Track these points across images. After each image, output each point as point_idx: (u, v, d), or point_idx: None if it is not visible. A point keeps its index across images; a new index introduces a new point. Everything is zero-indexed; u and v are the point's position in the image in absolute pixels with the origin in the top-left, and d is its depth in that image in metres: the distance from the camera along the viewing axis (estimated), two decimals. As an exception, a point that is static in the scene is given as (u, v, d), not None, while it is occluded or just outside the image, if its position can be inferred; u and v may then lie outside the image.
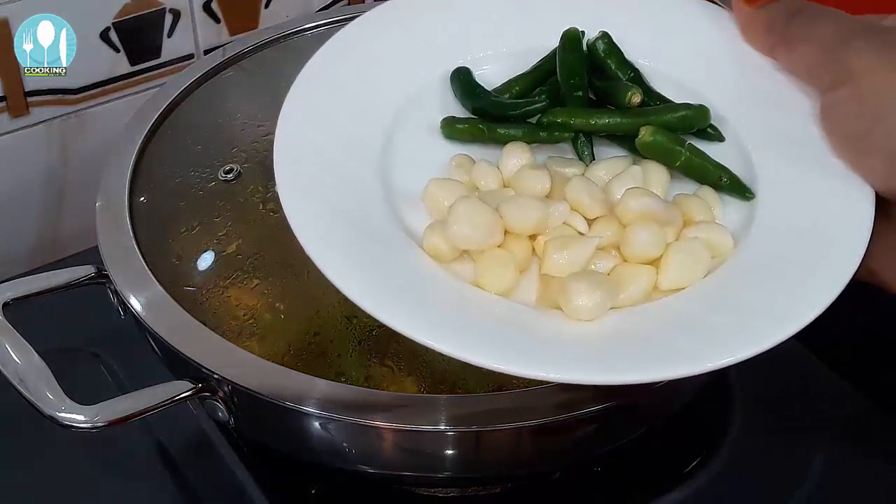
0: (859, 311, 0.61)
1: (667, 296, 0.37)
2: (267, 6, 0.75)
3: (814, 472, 0.54)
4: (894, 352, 0.60)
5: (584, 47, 0.43)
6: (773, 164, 0.40)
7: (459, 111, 0.42)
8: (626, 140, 0.41)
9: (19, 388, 0.44)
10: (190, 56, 0.73)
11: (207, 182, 0.55)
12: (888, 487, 0.53)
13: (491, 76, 0.43)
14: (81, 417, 0.44)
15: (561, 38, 0.43)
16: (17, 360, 0.45)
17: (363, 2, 0.78)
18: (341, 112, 0.40)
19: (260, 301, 0.49)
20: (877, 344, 0.60)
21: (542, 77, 0.44)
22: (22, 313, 0.48)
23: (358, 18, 0.43)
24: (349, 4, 0.79)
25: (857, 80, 0.37)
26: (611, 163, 0.40)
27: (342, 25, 0.64)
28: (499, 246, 0.37)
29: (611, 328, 0.35)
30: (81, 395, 0.44)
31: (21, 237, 0.73)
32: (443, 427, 0.43)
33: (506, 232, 0.37)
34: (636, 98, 0.41)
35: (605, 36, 0.43)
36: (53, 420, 0.44)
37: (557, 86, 0.42)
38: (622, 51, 0.43)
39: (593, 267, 0.37)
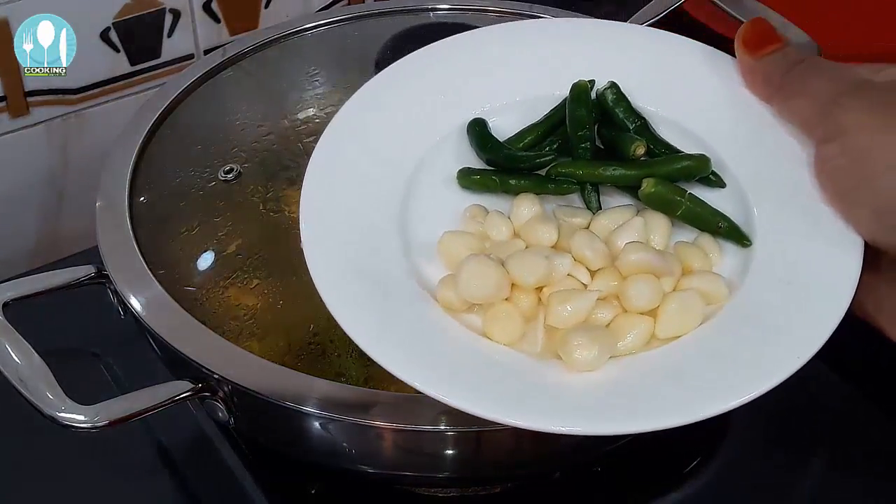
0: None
1: (664, 344, 0.39)
2: (267, 6, 0.75)
3: (814, 473, 0.54)
4: (894, 352, 0.60)
5: (594, 95, 0.45)
6: (769, 211, 0.42)
7: (476, 161, 0.44)
8: (632, 189, 0.43)
9: (19, 388, 0.44)
10: (190, 56, 0.73)
11: (207, 182, 0.55)
12: (888, 489, 0.53)
13: (505, 126, 0.45)
14: (81, 417, 0.44)
15: (570, 91, 0.45)
16: (17, 360, 0.45)
17: (363, 2, 0.79)
18: (364, 165, 0.42)
19: (260, 301, 0.49)
20: (877, 344, 0.60)
21: (552, 127, 0.46)
22: (22, 313, 0.48)
23: (378, 75, 0.45)
24: (349, 4, 0.79)
25: (847, 137, 0.38)
26: (615, 212, 0.42)
27: (342, 25, 0.65)
28: (506, 298, 0.39)
29: (610, 378, 0.37)
30: (81, 395, 0.44)
31: (21, 237, 0.73)
32: (443, 427, 0.43)
33: (513, 284, 0.39)
34: (640, 150, 0.43)
35: (613, 86, 0.45)
36: (53, 420, 0.44)
37: (566, 135, 0.45)
38: (629, 99, 0.45)
39: (595, 317, 0.39)
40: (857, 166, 0.38)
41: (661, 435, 0.51)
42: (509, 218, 0.42)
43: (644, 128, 0.45)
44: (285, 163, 0.55)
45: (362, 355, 0.47)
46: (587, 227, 0.42)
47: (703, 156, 0.43)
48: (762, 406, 0.57)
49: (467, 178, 0.44)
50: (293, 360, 0.47)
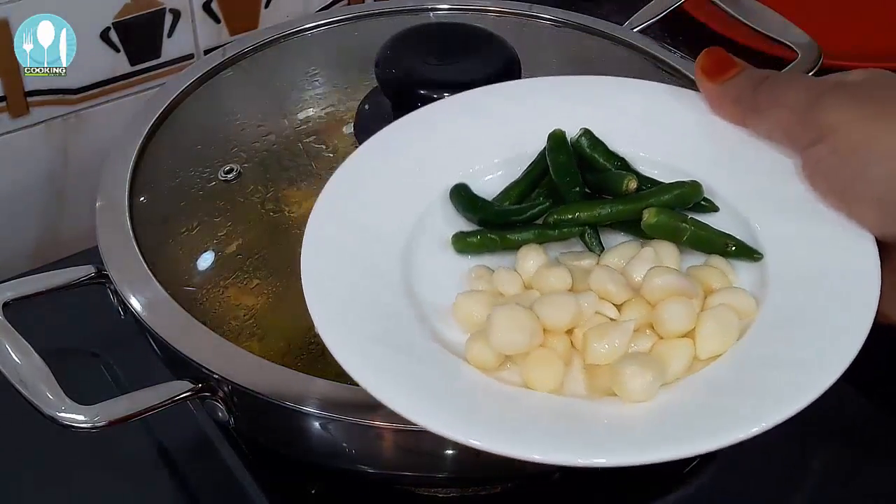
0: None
1: (706, 364, 0.38)
2: (267, 6, 0.75)
3: (814, 473, 0.54)
4: (894, 352, 0.60)
5: (569, 144, 0.45)
6: (771, 223, 0.42)
7: (464, 224, 0.44)
8: (629, 226, 0.43)
9: (19, 388, 0.44)
10: (190, 56, 0.73)
11: (207, 182, 0.55)
12: (888, 488, 0.53)
13: (485, 188, 0.45)
14: (81, 417, 0.44)
15: (548, 141, 0.45)
16: (17, 360, 0.45)
17: (363, 1, 0.79)
18: (358, 245, 0.42)
19: (260, 301, 0.49)
20: (877, 344, 0.60)
21: (535, 180, 0.46)
22: (22, 313, 0.48)
23: (351, 156, 0.45)
24: (349, 4, 0.79)
25: (834, 135, 0.39)
26: (621, 249, 0.42)
27: (342, 25, 0.65)
28: (541, 346, 0.39)
29: (664, 405, 0.37)
30: (81, 395, 0.44)
31: (21, 237, 0.73)
32: (443, 427, 0.43)
33: (544, 330, 0.39)
34: (633, 184, 0.43)
35: (586, 132, 0.45)
36: (53, 420, 0.44)
37: (551, 186, 0.45)
38: (605, 143, 0.45)
39: (633, 349, 0.38)
40: (850, 161, 0.39)
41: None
42: (516, 272, 0.42)
43: (626, 167, 0.45)
44: (285, 163, 0.55)
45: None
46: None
47: (694, 182, 0.43)
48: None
49: (464, 242, 0.43)
50: (293, 360, 0.47)
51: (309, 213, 0.52)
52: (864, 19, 0.86)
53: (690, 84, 0.47)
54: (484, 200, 0.45)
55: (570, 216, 0.43)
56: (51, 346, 0.47)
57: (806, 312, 0.39)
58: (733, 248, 0.42)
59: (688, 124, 0.45)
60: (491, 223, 0.44)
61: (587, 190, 0.44)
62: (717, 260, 0.42)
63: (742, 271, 0.41)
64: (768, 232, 0.42)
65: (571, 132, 0.46)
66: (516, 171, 0.46)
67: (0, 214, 0.71)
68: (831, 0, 0.86)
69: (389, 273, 0.41)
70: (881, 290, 0.39)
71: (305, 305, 0.49)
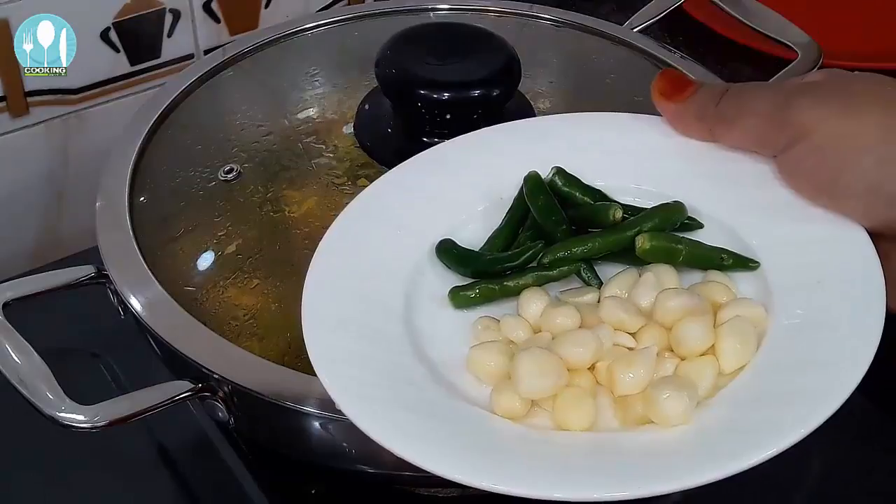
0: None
1: (732, 378, 0.38)
2: (267, 6, 0.75)
3: (814, 472, 0.54)
4: (894, 352, 0.60)
5: (546, 185, 0.45)
6: (759, 231, 0.42)
7: (456, 279, 0.44)
8: (621, 255, 0.43)
9: (19, 388, 0.44)
10: (190, 56, 0.73)
11: (207, 182, 0.55)
12: (889, 488, 0.53)
13: (470, 239, 0.45)
14: (81, 417, 0.44)
15: (525, 185, 0.45)
16: (17, 360, 0.45)
17: (363, 2, 0.79)
18: (357, 313, 0.41)
19: (260, 301, 0.49)
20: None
21: (517, 225, 0.45)
22: (22, 313, 0.48)
23: (331, 227, 0.45)
24: (349, 4, 0.79)
25: (811, 134, 0.39)
26: (620, 279, 0.42)
27: (342, 25, 0.65)
28: (567, 386, 0.38)
29: (703, 424, 0.36)
30: (81, 395, 0.44)
31: (21, 237, 0.73)
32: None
33: (567, 370, 0.38)
34: (618, 213, 0.43)
35: (559, 170, 0.45)
36: (53, 420, 0.44)
37: (535, 227, 0.45)
38: (579, 178, 0.45)
39: (659, 374, 0.38)
40: (831, 158, 0.39)
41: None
42: (522, 317, 0.42)
43: (605, 198, 0.45)
44: (285, 163, 0.55)
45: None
46: (599, 302, 0.42)
47: (677, 202, 0.43)
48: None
49: (462, 297, 0.42)
50: (293, 360, 0.47)
51: (309, 212, 0.53)
52: (864, 19, 0.86)
53: None
54: (474, 252, 0.44)
55: (564, 254, 0.43)
56: (51, 346, 0.47)
57: (817, 312, 0.39)
58: (729, 260, 0.42)
59: (656, 148, 0.45)
60: (485, 274, 0.43)
61: (573, 227, 0.44)
62: (716, 275, 0.42)
63: (742, 283, 0.41)
64: (758, 240, 0.42)
65: (545, 171, 0.46)
66: (493, 219, 0.45)
67: (0, 214, 0.71)
68: (831, 0, 0.86)
69: (397, 339, 0.41)
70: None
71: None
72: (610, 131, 0.47)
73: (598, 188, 0.45)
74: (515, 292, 0.42)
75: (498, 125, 0.49)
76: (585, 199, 0.45)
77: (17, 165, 0.70)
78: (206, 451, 0.55)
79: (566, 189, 0.45)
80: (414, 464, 0.36)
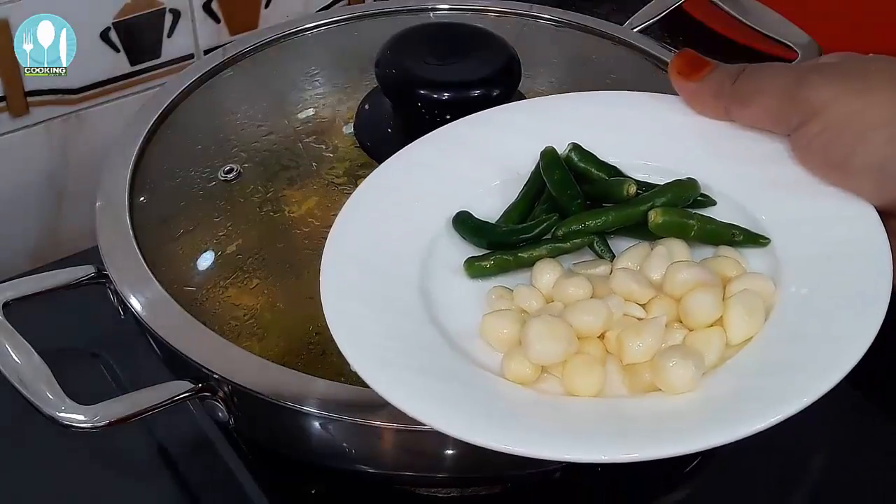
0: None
1: (739, 349, 0.39)
2: (267, 6, 0.75)
3: (813, 472, 0.54)
4: (894, 352, 0.60)
5: (562, 160, 0.46)
6: (770, 208, 0.43)
7: (472, 250, 0.45)
8: (634, 229, 0.44)
9: (19, 388, 0.44)
10: (190, 56, 0.73)
11: (207, 182, 0.55)
12: (888, 487, 0.53)
13: (484, 212, 0.46)
14: (81, 417, 0.44)
15: (541, 160, 0.46)
16: (17, 360, 0.45)
17: (363, 1, 0.79)
18: (375, 283, 0.42)
19: (260, 301, 0.49)
20: (875, 342, 0.60)
21: (533, 199, 0.46)
22: (22, 313, 0.48)
23: (350, 199, 0.46)
24: (349, 4, 0.79)
25: (824, 112, 0.40)
26: (632, 252, 0.43)
27: (342, 25, 0.65)
28: (576, 352, 0.39)
29: (708, 392, 0.38)
30: (81, 395, 0.44)
31: (21, 237, 0.73)
32: (443, 427, 0.43)
33: (578, 337, 0.39)
34: (632, 188, 0.44)
35: (575, 146, 0.46)
36: (53, 420, 0.44)
37: (550, 201, 0.45)
38: (595, 154, 0.46)
39: (667, 344, 0.39)
40: (843, 135, 0.40)
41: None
42: (535, 287, 0.42)
43: (619, 174, 0.46)
44: (285, 163, 0.55)
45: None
46: (611, 275, 0.42)
47: (690, 178, 0.44)
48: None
49: (477, 267, 0.43)
50: (293, 360, 0.47)
51: (309, 212, 0.53)
52: (864, 19, 0.86)
53: None
54: (490, 224, 0.45)
55: (578, 227, 0.43)
56: (51, 346, 0.47)
57: (825, 286, 0.40)
58: (740, 236, 0.42)
59: (672, 127, 0.46)
60: (500, 245, 0.44)
61: (587, 201, 0.45)
62: (726, 250, 0.42)
63: (752, 258, 0.42)
64: (769, 217, 0.43)
65: (561, 148, 0.46)
66: (510, 193, 0.46)
67: (0, 214, 0.71)
68: (831, 0, 0.86)
69: (412, 307, 0.42)
70: None
71: (305, 305, 0.49)
72: (626, 109, 0.48)
73: (613, 164, 0.46)
74: (529, 263, 0.43)
75: (515, 102, 0.50)
76: (600, 174, 0.46)
77: (17, 165, 0.70)
78: (206, 451, 0.55)
79: (582, 164, 0.46)
80: (425, 423, 0.36)
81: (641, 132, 0.47)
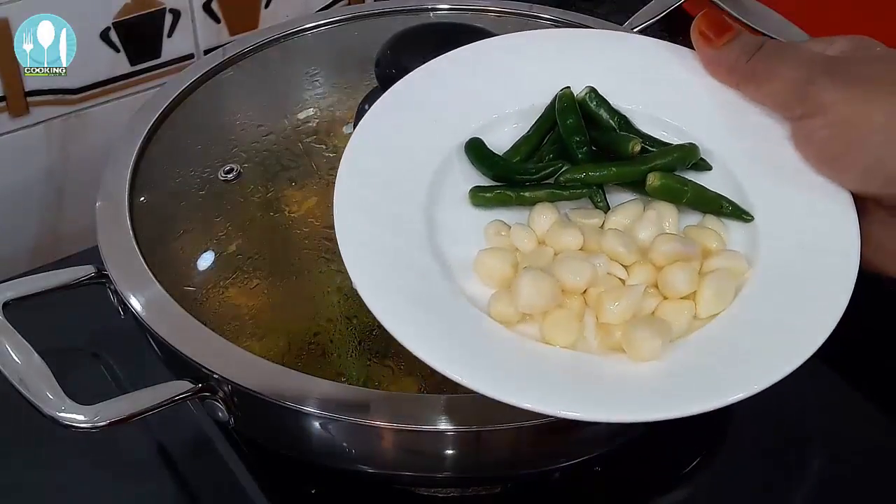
0: (858, 308, 0.62)
1: (705, 323, 0.41)
2: (267, 6, 0.75)
3: (814, 473, 0.54)
4: (893, 350, 0.60)
5: (577, 105, 0.48)
6: (759, 185, 0.45)
7: (480, 177, 0.46)
8: (633, 185, 0.46)
9: (19, 388, 0.44)
10: (190, 56, 0.73)
11: (207, 182, 0.55)
12: (888, 489, 0.53)
13: (497, 141, 0.47)
14: (81, 417, 0.44)
15: (557, 101, 0.48)
16: (17, 360, 0.45)
17: (363, 1, 0.79)
18: (383, 201, 0.44)
19: (260, 301, 0.49)
20: (876, 342, 0.60)
21: (543, 135, 0.48)
22: (22, 313, 0.48)
23: (369, 112, 0.47)
24: (349, 4, 0.79)
25: (827, 112, 0.42)
26: (626, 208, 0.45)
27: (342, 25, 0.65)
28: (558, 305, 0.42)
29: (670, 363, 0.40)
30: (81, 395, 0.44)
31: (21, 237, 0.73)
32: (443, 427, 0.43)
33: (562, 291, 0.42)
34: (637, 147, 0.46)
35: (591, 90, 0.48)
36: (53, 420, 0.44)
37: (559, 142, 0.47)
38: (608, 101, 0.48)
39: (642, 308, 0.42)
40: (842, 135, 0.42)
41: (662, 435, 0.51)
42: (530, 228, 0.45)
43: (628, 125, 0.48)
44: (285, 163, 0.55)
45: (362, 355, 0.47)
46: (603, 226, 0.45)
47: (692, 144, 0.46)
48: (761, 406, 0.57)
49: (481, 197, 0.45)
50: (293, 360, 0.47)
51: (309, 212, 0.53)
52: (863, 19, 0.86)
53: None
54: (498, 156, 0.47)
55: (579, 176, 0.46)
56: (51, 346, 0.47)
57: (793, 275, 0.42)
58: (728, 209, 0.45)
59: (688, 84, 0.48)
60: (505, 179, 0.46)
61: (594, 148, 0.47)
62: (711, 220, 0.45)
63: (734, 229, 0.44)
64: (757, 193, 0.45)
65: (577, 84, 0.48)
66: (526, 123, 0.48)
67: (0, 214, 0.71)
68: (831, 0, 0.86)
69: (415, 230, 0.44)
70: (866, 242, 0.43)
71: (305, 305, 0.49)
72: (649, 57, 0.49)
73: (624, 113, 0.48)
74: (529, 203, 0.46)
75: (547, 30, 0.52)
76: (611, 122, 0.47)
77: (17, 165, 0.70)
78: (206, 451, 0.55)
79: (595, 109, 0.48)
80: (405, 346, 0.39)
81: (659, 84, 0.48)
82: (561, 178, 0.46)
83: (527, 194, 0.45)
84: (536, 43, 0.50)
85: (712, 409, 0.38)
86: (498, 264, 0.43)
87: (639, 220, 0.44)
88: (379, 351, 0.47)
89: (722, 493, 0.54)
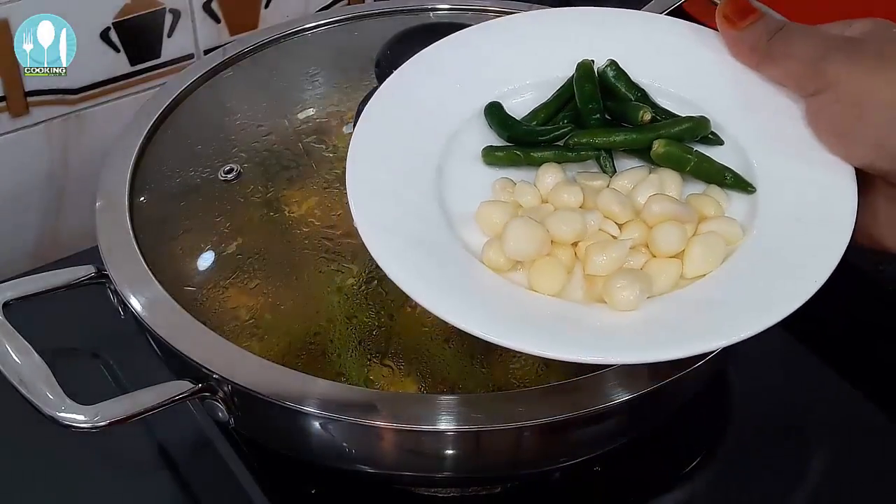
0: (858, 308, 0.62)
1: (692, 283, 0.43)
2: (267, 6, 0.75)
3: (813, 472, 0.54)
4: (893, 350, 0.60)
5: (596, 74, 0.49)
6: (767, 160, 0.46)
7: (494, 139, 0.48)
8: (641, 152, 0.47)
9: (19, 388, 0.44)
10: (190, 56, 0.73)
11: (207, 182, 0.55)
12: (888, 488, 0.53)
13: (517, 107, 0.49)
14: (81, 417, 0.44)
15: (576, 70, 0.49)
16: (17, 360, 0.45)
17: (363, 1, 0.79)
18: (398, 155, 0.46)
19: (260, 301, 0.49)
20: (876, 342, 0.60)
21: (561, 104, 0.49)
22: (22, 313, 0.48)
23: (394, 74, 0.49)
24: (349, 4, 0.79)
25: (838, 87, 0.43)
26: (631, 173, 0.46)
27: (342, 25, 0.65)
28: (547, 254, 0.43)
29: (648, 315, 0.41)
30: (81, 395, 0.44)
31: (21, 237, 0.73)
32: (443, 427, 0.43)
33: (552, 242, 0.43)
34: (647, 116, 0.47)
35: (612, 63, 0.49)
36: (53, 420, 0.44)
37: (576, 110, 0.49)
38: (628, 74, 0.49)
39: (628, 264, 0.43)
40: (851, 109, 0.43)
41: (662, 435, 0.51)
42: (536, 186, 0.46)
43: (645, 98, 0.49)
44: (285, 163, 0.55)
45: (362, 355, 0.47)
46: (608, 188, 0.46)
47: (703, 117, 0.47)
48: (761, 406, 0.58)
49: (492, 155, 0.47)
50: (293, 360, 0.47)
51: (309, 212, 0.53)
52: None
53: None
54: (514, 119, 0.48)
55: (587, 140, 0.47)
56: (51, 346, 0.47)
57: (785, 246, 0.43)
58: (730, 180, 0.46)
59: (706, 62, 0.49)
60: (518, 140, 0.48)
61: (607, 117, 0.48)
62: (714, 190, 0.46)
63: (736, 201, 0.45)
64: (764, 168, 0.46)
65: (600, 60, 0.49)
66: (546, 94, 0.50)
67: (0, 214, 0.71)
68: (831, 0, 0.86)
69: (425, 179, 0.46)
70: (873, 219, 0.44)
71: (305, 305, 0.49)
72: (670, 35, 0.51)
73: (642, 87, 0.49)
74: (538, 163, 0.47)
75: (572, 8, 0.53)
76: (627, 94, 0.49)
77: (17, 165, 0.70)
78: (206, 451, 0.55)
79: (613, 81, 0.49)
80: (396, 283, 0.41)
81: (678, 61, 0.50)
82: (570, 141, 0.47)
83: (535, 154, 0.47)
84: (564, 19, 0.52)
85: (677, 357, 0.39)
86: (498, 215, 0.44)
87: (640, 184, 0.45)
88: (379, 351, 0.47)
89: (722, 493, 0.54)
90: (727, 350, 0.45)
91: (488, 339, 0.39)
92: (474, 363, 0.47)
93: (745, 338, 0.40)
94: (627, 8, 0.53)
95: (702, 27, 0.51)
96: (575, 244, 0.44)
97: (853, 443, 0.56)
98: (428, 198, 0.45)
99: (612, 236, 0.44)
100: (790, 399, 0.58)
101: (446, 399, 0.44)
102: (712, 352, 0.42)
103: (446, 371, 0.47)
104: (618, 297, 0.41)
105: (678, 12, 0.70)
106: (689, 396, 0.50)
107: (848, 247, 0.42)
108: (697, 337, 0.40)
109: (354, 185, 0.44)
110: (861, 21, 0.46)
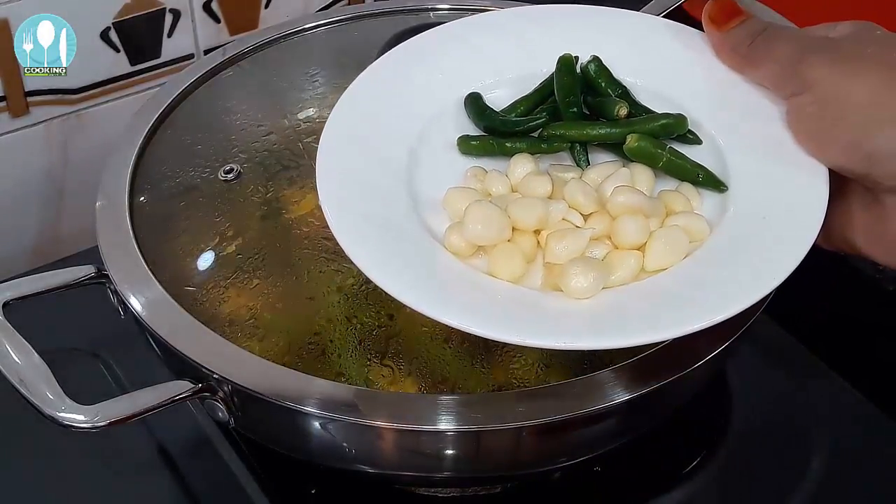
0: (858, 308, 0.62)
1: (652, 276, 0.43)
2: (267, 6, 0.75)
3: (813, 472, 0.54)
4: (894, 352, 0.60)
5: (578, 70, 0.50)
6: (741, 160, 0.46)
7: (472, 130, 0.48)
8: (616, 147, 0.47)
9: (19, 388, 0.44)
10: (190, 56, 0.73)
11: (207, 182, 0.55)
12: (888, 487, 0.53)
13: (498, 99, 0.49)
14: (81, 417, 0.44)
15: (557, 63, 0.49)
16: (17, 360, 0.45)
17: (363, 1, 0.79)
18: (373, 136, 0.47)
19: (260, 301, 0.49)
20: (876, 342, 0.60)
21: (542, 98, 0.50)
22: (22, 313, 0.48)
23: (381, 57, 0.50)
24: (349, 4, 0.79)
25: (815, 89, 0.43)
26: (603, 167, 0.47)
27: (342, 25, 0.65)
28: (508, 241, 0.43)
29: (604, 304, 0.41)
30: (81, 395, 0.44)
31: (21, 237, 0.73)
32: (443, 427, 0.43)
33: (514, 229, 0.43)
34: (623, 111, 0.47)
35: (595, 59, 0.50)
36: (53, 420, 0.44)
37: (556, 104, 0.49)
38: (611, 71, 0.49)
39: (589, 254, 0.43)
40: (828, 110, 0.43)
41: (662, 435, 0.51)
42: (507, 176, 0.46)
43: (625, 95, 0.49)
44: (285, 163, 0.55)
45: (362, 355, 0.47)
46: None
47: (680, 115, 0.47)
48: (761, 406, 0.57)
49: (467, 144, 0.48)
50: (293, 360, 0.47)
51: (309, 213, 0.53)
52: (864, 19, 0.86)
53: None
54: (491, 109, 0.49)
55: (561, 132, 0.47)
56: (51, 346, 0.47)
57: (750, 243, 0.43)
58: (703, 177, 0.46)
59: (691, 62, 0.49)
60: (494, 130, 0.48)
61: (585, 111, 0.49)
62: (686, 187, 0.46)
63: (708, 199, 0.46)
64: (738, 167, 0.46)
65: (584, 56, 0.50)
66: (527, 88, 0.50)
67: (0, 214, 0.71)
68: (831, 0, 0.86)
69: (398, 165, 0.46)
70: (834, 216, 0.44)
71: (305, 305, 0.49)
72: (656, 34, 0.51)
73: (624, 84, 0.49)
74: (511, 153, 0.47)
75: (563, 5, 0.53)
76: (608, 90, 0.49)
77: (17, 165, 0.70)
78: (206, 451, 0.55)
79: (595, 77, 0.49)
80: (356, 264, 0.41)
81: (661, 59, 0.50)
82: (544, 133, 0.48)
83: (508, 144, 0.47)
84: (552, 16, 0.52)
85: (623, 346, 0.40)
86: (464, 201, 0.44)
87: (610, 178, 0.45)
88: (379, 351, 0.47)
89: (722, 493, 0.54)
90: (727, 350, 0.45)
91: (441, 321, 0.40)
92: (474, 363, 0.47)
93: (694, 330, 0.40)
94: (627, 8, 0.53)
95: (689, 28, 0.51)
96: (538, 232, 0.44)
97: (853, 443, 0.56)
98: (398, 183, 0.45)
99: (576, 226, 0.44)
100: (790, 399, 0.58)
101: (446, 399, 0.44)
102: (663, 342, 0.43)
103: (446, 371, 0.47)
104: (572, 284, 0.41)
105: (678, 12, 0.70)
106: (689, 396, 0.50)
107: (824, 251, 0.42)
108: (647, 327, 0.40)
109: (324, 165, 0.45)
110: (845, 23, 0.46)
